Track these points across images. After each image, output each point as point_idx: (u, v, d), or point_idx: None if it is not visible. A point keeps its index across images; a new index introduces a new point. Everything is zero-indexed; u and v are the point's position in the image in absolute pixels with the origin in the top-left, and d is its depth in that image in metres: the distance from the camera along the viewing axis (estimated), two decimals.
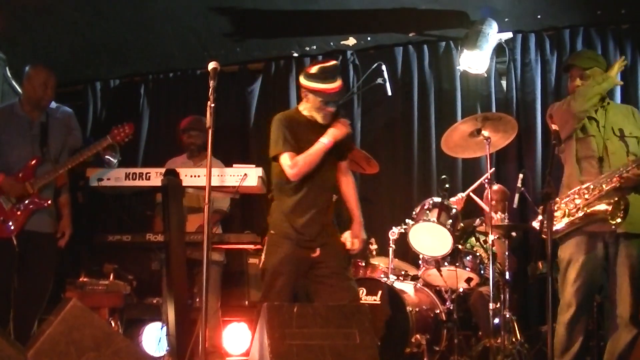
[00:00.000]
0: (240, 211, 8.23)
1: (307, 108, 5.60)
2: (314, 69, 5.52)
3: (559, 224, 5.38)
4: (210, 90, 4.91)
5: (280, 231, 5.52)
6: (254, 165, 6.25)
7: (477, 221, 6.86)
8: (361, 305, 6.13)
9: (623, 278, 5.37)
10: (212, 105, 4.89)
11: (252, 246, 6.75)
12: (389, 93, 7.38)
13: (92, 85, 9.57)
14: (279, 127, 5.56)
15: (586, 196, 5.35)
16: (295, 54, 8.83)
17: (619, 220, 5.14)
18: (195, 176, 6.12)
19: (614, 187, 5.25)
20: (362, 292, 6.60)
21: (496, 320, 6.41)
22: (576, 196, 5.39)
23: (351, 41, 8.47)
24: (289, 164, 5.44)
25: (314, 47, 8.65)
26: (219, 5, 7.70)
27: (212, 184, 5.63)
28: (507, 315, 6.47)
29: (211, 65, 5.00)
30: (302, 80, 5.58)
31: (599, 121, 5.54)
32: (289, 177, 5.46)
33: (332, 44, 8.56)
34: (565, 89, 7.76)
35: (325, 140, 5.43)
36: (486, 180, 6.55)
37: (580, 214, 5.31)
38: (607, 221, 5.17)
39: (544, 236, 4.91)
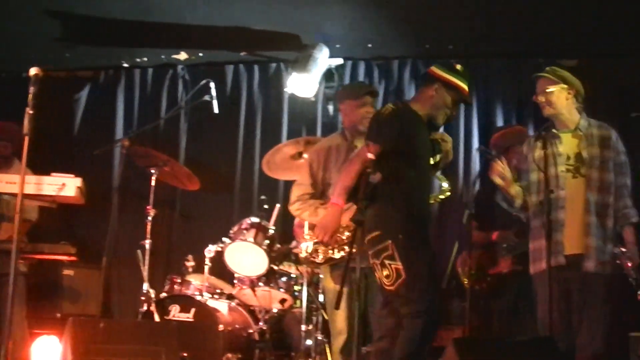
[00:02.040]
0: (57, 221, 8.00)
1: (428, 106, 5.19)
2: (459, 67, 5.25)
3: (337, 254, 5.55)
4: (30, 96, 4.78)
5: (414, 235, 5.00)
6: (73, 175, 6.11)
7: (293, 243, 6.90)
8: (168, 322, 6.10)
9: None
10: (31, 112, 4.76)
11: (66, 257, 6.59)
12: (216, 110, 7.36)
13: None
14: (393, 120, 5.06)
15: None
16: (125, 64, 8.71)
17: None
18: (11, 183, 5.94)
19: None
20: (176, 309, 6.55)
21: (309, 342, 6.46)
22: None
23: (182, 55, 8.42)
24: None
25: (145, 58, 8.56)
26: (50, 8, 7.49)
27: (29, 192, 5.50)
28: (320, 337, 6.52)
29: (32, 70, 4.86)
30: (445, 73, 5.19)
31: None
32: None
33: (163, 57, 8.49)
34: None
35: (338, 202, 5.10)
36: None
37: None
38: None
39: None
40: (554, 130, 5.63)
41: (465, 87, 5.24)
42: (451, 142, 5.39)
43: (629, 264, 5.33)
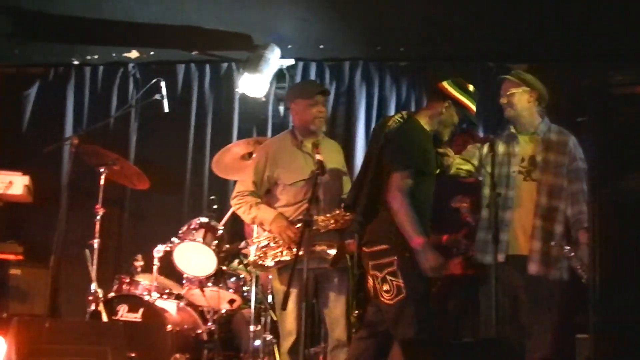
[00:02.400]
0: (4, 220, 7.90)
1: (437, 121, 5.28)
2: (471, 87, 5.32)
3: (286, 257, 5.54)
4: None
5: None
6: (21, 173, 6.05)
7: (243, 244, 6.90)
8: (115, 322, 6.06)
9: (336, 305, 5.64)
10: None
11: (13, 256, 6.51)
12: (166, 110, 7.32)
13: None
14: (414, 139, 5.13)
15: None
16: (76, 62, 8.60)
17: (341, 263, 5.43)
18: None
19: (333, 228, 5.51)
20: (124, 309, 6.52)
21: (257, 343, 6.46)
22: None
23: (134, 54, 8.35)
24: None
25: (96, 56, 8.46)
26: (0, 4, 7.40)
27: None
28: (268, 338, 6.54)
29: None
30: (457, 92, 5.28)
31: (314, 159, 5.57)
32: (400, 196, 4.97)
33: (114, 54, 8.41)
34: (342, 119, 8.10)
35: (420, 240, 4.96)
36: None
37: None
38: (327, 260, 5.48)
39: None
40: (512, 131, 5.73)
41: (474, 108, 5.32)
42: (453, 157, 5.50)
43: (580, 264, 5.42)
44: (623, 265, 3.78)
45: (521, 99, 5.68)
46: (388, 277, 4.94)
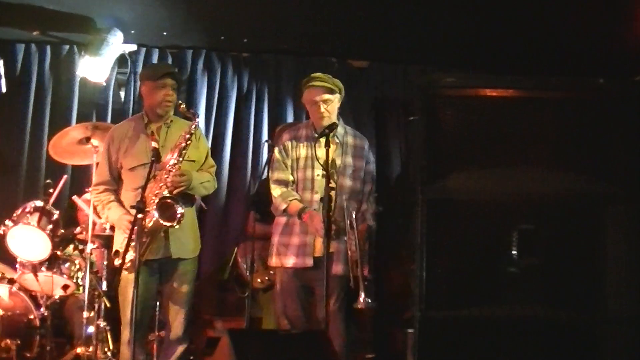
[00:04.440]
0: None
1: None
2: None
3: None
4: None
5: None
6: None
7: (78, 229, 6.86)
8: None
9: (176, 298, 5.71)
10: None
11: None
12: (3, 90, 7.16)
13: None
14: None
15: None
16: None
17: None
18: None
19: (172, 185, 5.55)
20: None
21: (90, 329, 6.44)
22: None
23: None
24: None
25: None
26: None
27: None
28: (102, 325, 6.51)
29: None
30: None
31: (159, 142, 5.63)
32: None
33: None
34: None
35: None
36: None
37: None
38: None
39: None
40: (315, 135, 5.81)
41: None
42: None
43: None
44: (446, 262, 3.98)
45: (335, 106, 5.82)
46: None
